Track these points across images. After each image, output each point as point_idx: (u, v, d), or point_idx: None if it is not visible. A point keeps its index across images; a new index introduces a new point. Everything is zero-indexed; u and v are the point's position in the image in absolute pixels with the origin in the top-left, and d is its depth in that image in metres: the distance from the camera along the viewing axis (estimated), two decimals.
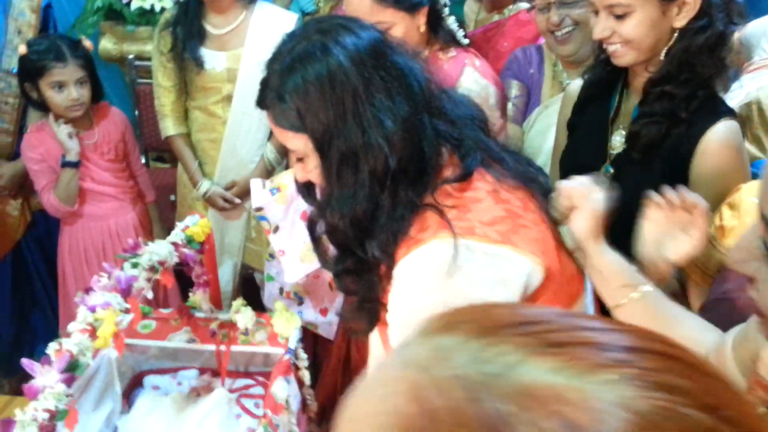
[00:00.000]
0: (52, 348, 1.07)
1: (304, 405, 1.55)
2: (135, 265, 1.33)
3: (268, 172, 2.30)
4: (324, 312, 2.04)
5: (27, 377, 1.09)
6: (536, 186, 1.10)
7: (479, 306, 0.43)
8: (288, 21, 2.25)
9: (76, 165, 2.18)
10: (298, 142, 1.06)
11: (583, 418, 0.34)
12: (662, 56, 1.38)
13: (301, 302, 2.03)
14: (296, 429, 1.38)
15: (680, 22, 1.34)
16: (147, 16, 3.29)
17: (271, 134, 2.25)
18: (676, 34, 1.36)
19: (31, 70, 2.11)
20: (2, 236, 2.43)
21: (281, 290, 2.05)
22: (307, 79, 1.02)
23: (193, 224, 1.53)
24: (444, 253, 0.98)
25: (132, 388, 1.62)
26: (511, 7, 2.34)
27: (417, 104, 1.04)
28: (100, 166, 2.27)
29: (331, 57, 1.02)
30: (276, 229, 1.80)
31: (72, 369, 1.08)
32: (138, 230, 2.35)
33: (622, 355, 0.37)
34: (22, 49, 2.13)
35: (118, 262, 1.32)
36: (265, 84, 1.09)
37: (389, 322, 1.08)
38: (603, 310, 1.14)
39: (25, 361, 1.04)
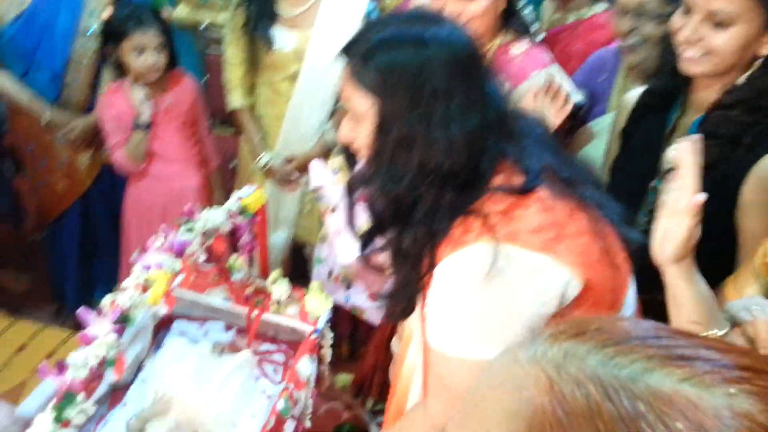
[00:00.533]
0: (106, 300, 1.15)
1: (317, 380, 1.59)
2: (190, 230, 1.41)
3: (328, 150, 2.36)
4: (373, 297, 2.08)
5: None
6: (590, 199, 1.08)
7: (605, 318, 0.49)
8: (359, 5, 2.28)
9: (146, 127, 2.29)
10: (364, 104, 1.07)
11: (709, 422, 0.39)
12: (742, 80, 1.36)
13: (349, 286, 2.06)
14: (310, 402, 1.43)
15: (765, 49, 1.33)
16: None
17: (332, 114, 2.31)
18: (757, 62, 1.34)
19: (114, 34, 2.22)
20: (72, 185, 2.57)
21: (330, 273, 2.08)
22: (398, 59, 1.04)
23: (249, 194, 1.60)
24: (484, 257, 0.99)
25: (159, 328, 1.64)
26: (586, 9, 2.32)
27: (487, 122, 1.06)
28: (169, 130, 2.36)
29: (430, 50, 1.04)
30: (333, 209, 1.84)
31: (123, 321, 1.16)
32: (200, 194, 2.43)
33: (740, 373, 0.42)
34: (107, 13, 2.24)
35: (175, 225, 1.40)
36: (359, 37, 1.10)
37: (427, 317, 1.10)
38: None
39: (81, 311, 1.13)
